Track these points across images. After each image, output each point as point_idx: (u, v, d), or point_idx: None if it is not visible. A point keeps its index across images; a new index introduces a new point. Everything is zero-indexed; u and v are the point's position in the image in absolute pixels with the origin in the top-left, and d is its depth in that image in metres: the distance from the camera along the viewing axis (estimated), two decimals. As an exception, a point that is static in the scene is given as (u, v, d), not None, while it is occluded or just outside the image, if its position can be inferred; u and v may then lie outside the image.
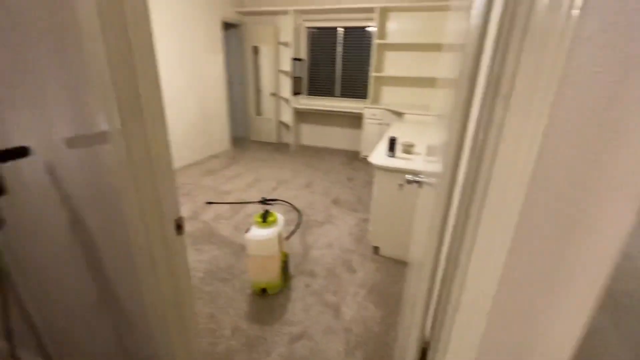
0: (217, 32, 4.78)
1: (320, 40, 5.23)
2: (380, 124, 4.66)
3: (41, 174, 0.97)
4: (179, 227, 0.99)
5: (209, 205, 3.29)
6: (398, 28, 4.60)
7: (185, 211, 3.13)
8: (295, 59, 5.07)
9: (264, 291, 2.01)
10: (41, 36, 0.78)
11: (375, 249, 2.54)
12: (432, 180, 1.09)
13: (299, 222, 2.98)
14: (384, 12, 4.52)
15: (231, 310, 1.90)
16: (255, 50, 5.49)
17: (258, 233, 1.91)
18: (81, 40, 0.73)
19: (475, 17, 0.56)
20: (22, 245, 1.17)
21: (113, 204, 0.90)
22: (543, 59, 0.44)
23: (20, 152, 0.83)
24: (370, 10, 4.48)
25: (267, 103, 5.73)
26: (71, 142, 0.87)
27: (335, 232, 2.82)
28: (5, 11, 0.80)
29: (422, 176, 1.42)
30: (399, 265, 2.38)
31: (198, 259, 2.40)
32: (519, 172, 0.48)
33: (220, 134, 5.18)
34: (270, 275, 1.99)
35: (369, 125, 4.76)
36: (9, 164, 0.99)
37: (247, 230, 1.96)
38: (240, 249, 2.49)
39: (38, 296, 1.28)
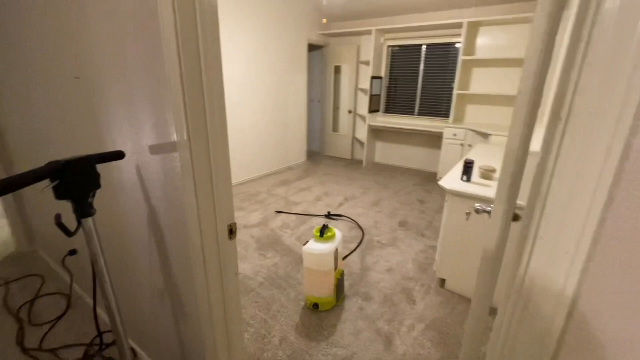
0: (303, 53, 5.14)
1: (401, 57, 5.17)
2: (461, 144, 4.31)
3: (133, 174, 1.16)
4: (231, 231, 1.07)
5: (278, 214, 3.47)
6: (488, 43, 4.25)
7: (256, 218, 3.37)
8: (374, 77, 5.09)
9: (315, 306, 2.00)
10: (137, 68, 0.96)
11: (442, 282, 2.31)
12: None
13: (360, 240, 2.91)
14: (473, 27, 4.24)
15: (282, 319, 1.94)
16: (337, 70, 5.70)
17: (314, 247, 1.92)
18: (164, 70, 0.86)
19: (538, 26, 0.48)
20: (107, 232, 1.41)
21: (178, 204, 1.01)
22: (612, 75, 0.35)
23: (117, 155, 1.01)
24: (457, 25, 4.26)
25: (344, 120, 5.85)
26: (152, 149, 1.02)
27: (398, 257, 2.67)
28: (122, 57, 1.00)
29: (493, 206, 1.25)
30: (468, 303, 2.11)
31: (261, 263, 2.53)
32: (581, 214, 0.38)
33: (297, 148, 5.48)
34: (322, 291, 1.98)
35: (448, 145, 4.45)
36: (115, 165, 1.22)
37: (305, 243, 2.00)
38: (299, 260, 2.55)
39: (115, 277, 1.52)
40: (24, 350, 1.69)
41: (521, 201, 0.79)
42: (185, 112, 0.86)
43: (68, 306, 2.02)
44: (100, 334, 1.45)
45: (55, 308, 2.00)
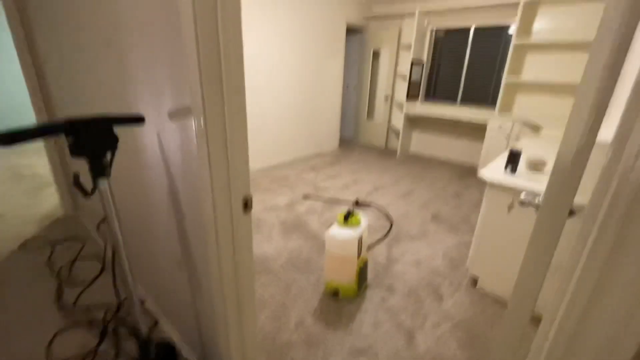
0: (341, 37, 4.97)
1: (446, 42, 4.81)
2: (507, 137, 3.96)
3: (154, 140, 1.15)
4: (246, 205, 1.02)
5: (305, 198, 3.44)
6: (547, 25, 3.81)
7: (283, 200, 3.36)
8: (415, 63, 4.81)
9: (335, 293, 1.94)
10: (158, 38, 0.92)
11: (474, 280, 2.14)
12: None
13: (388, 231, 2.79)
14: (531, 7, 3.81)
15: (301, 303, 1.91)
16: (376, 55, 5.47)
17: (337, 232, 1.85)
18: (181, 39, 0.82)
19: None
20: (133, 200, 1.44)
21: (193, 173, 0.98)
22: None
23: (137, 119, 0.99)
24: (512, 5, 3.86)
25: (380, 107, 5.64)
26: (171, 115, 0.99)
27: (427, 250, 2.52)
28: (141, 30, 0.97)
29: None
30: (502, 305, 1.93)
31: (284, 246, 2.51)
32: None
33: (330, 135, 5.38)
34: (344, 277, 1.91)
35: (492, 137, 4.11)
36: (138, 132, 1.21)
37: (328, 227, 1.93)
38: (323, 245, 2.49)
39: (141, 245, 1.56)
40: (61, 307, 1.81)
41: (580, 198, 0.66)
42: (200, 74, 0.80)
43: (102, 269, 2.13)
44: (120, 299, 1.50)
45: (92, 270, 2.13)
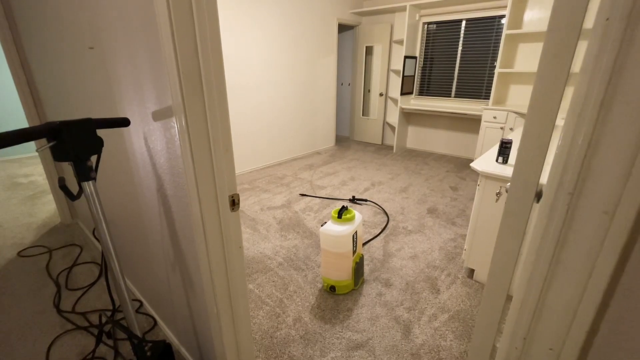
0: (333, 34, 4.97)
1: (438, 35, 4.81)
2: (501, 128, 3.96)
3: (141, 142, 1.15)
4: (234, 202, 1.03)
5: (302, 197, 3.44)
6: (538, 13, 3.81)
7: (280, 200, 3.36)
8: (408, 57, 4.80)
9: (332, 289, 1.95)
10: (140, 43, 0.92)
11: (470, 272, 2.15)
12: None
13: (385, 226, 2.79)
14: (522, -4, 3.81)
15: (298, 300, 1.91)
16: (368, 51, 5.47)
17: (331, 228, 1.85)
18: (161, 43, 0.82)
19: None
20: (125, 202, 1.44)
21: (178, 173, 0.99)
22: None
23: (122, 122, 1.00)
24: (503, -5, 3.85)
25: (375, 103, 5.64)
26: (155, 115, 0.99)
27: (424, 244, 2.53)
28: (127, 34, 0.97)
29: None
30: (498, 296, 1.93)
31: (281, 244, 2.52)
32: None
33: (325, 133, 5.39)
34: (340, 273, 1.91)
35: (487, 129, 4.11)
36: (126, 134, 1.22)
37: (322, 224, 1.94)
38: (319, 243, 2.50)
39: (137, 248, 1.57)
40: (59, 311, 1.82)
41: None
42: (179, 73, 0.81)
43: (100, 274, 2.14)
44: (115, 302, 1.51)
45: (90, 275, 2.14)
